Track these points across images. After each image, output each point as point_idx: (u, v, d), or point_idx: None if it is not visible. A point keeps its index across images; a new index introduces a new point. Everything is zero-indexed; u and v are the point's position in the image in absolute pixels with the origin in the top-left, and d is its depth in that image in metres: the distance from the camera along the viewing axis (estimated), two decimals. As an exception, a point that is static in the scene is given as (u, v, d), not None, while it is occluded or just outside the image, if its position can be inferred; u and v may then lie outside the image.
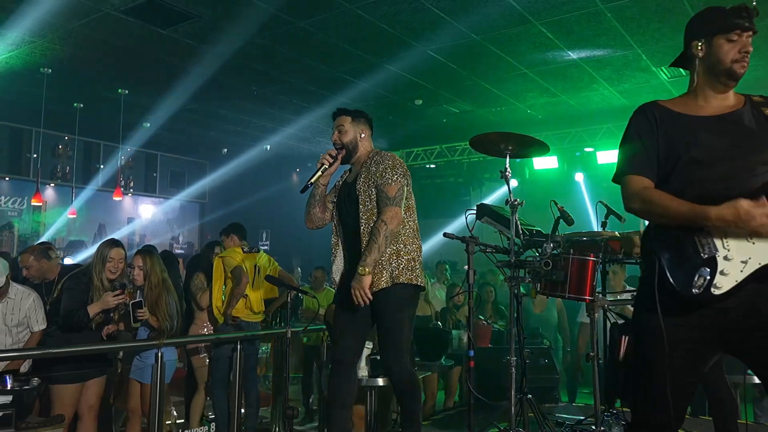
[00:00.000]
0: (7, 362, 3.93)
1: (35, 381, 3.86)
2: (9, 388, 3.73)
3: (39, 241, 6.61)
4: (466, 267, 3.09)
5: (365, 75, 7.96)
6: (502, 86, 8.35)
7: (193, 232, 13.07)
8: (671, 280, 1.91)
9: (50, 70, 7.82)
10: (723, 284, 1.88)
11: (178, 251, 11.72)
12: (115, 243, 4.25)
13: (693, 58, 2.12)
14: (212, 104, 9.31)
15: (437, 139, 11.05)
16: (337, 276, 3.31)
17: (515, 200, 3.07)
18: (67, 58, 7.44)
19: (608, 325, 3.58)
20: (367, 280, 2.93)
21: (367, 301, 2.90)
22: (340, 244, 3.31)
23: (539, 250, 3.10)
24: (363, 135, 3.32)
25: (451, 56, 7.30)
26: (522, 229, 3.17)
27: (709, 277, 1.88)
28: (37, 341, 4.18)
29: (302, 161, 13.30)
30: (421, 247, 3.19)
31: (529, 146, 3.29)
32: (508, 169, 3.15)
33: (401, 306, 3.02)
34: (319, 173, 3.22)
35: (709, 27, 2.09)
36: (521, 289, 3.35)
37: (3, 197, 10.19)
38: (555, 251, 3.06)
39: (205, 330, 5.20)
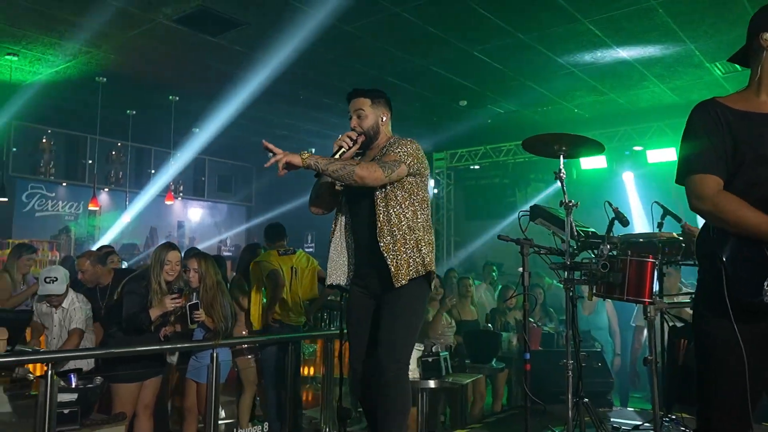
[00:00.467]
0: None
1: (98, 380, 4.01)
2: (74, 386, 3.88)
3: (98, 246, 6.85)
4: (520, 269, 3.06)
5: (410, 77, 7.97)
6: (549, 86, 8.24)
7: (240, 235, 13.30)
8: (738, 286, 1.86)
9: (105, 79, 8.09)
10: None
11: (225, 254, 11.95)
12: (171, 246, 4.37)
13: (760, 51, 2.05)
14: (259, 109, 9.45)
15: (482, 140, 10.97)
16: (335, 273, 3.04)
17: (570, 201, 3.02)
18: (121, 67, 7.68)
19: (666, 328, 3.49)
20: (297, 161, 2.71)
21: (280, 168, 2.69)
22: (341, 237, 3.06)
23: (595, 251, 3.05)
24: (384, 118, 3.07)
25: (497, 57, 7.25)
26: (577, 231, 3.12)
27: None
28: (74, 342, 4.32)
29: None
30: (433, 244, 2.95)
31: (582, 146, 3.24)
32: (563, 170, 3.11)
33: (416, 310, 2.86)
34: (336, 157, 2.93)
35: None
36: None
37: (61, 202, 10.58)
38: (612, 253, 3.01)
39: (243, 333, 5.27)
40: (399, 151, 2.83)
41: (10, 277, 5.26)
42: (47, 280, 4.31)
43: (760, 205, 1.89)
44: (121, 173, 10.96)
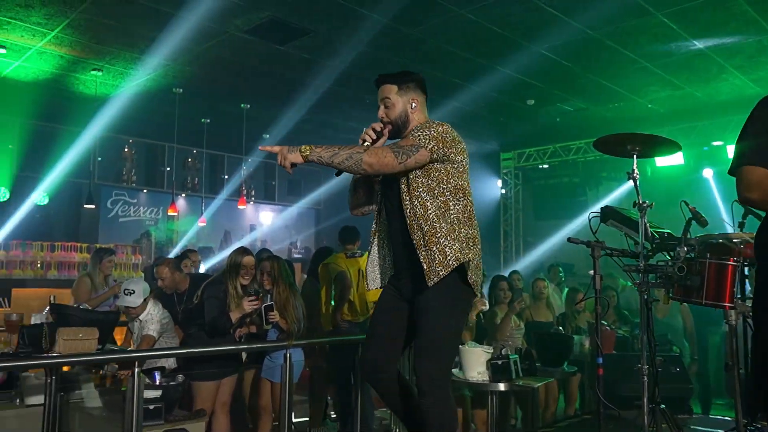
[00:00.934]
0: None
1: (180, 378, 4.21)
2: (158, 383, 4.10)
3: (182, 251, 7.14)
4: (591, 272, 3.00)
5: (476, 78, 7.93)
6: (620, 81, 8.01)
7: (309, 238, 13.57)
8: None
9: (181, 90, 8.45)
10: None
11: (296, 256, 12.23)
12: (245, 251, 4.54)
13: None
14: (326, 113, 9.64)
15: (551, 138, 10.77)
16: (373, 276, 2.85)
17: (644, 202, 2.94)
18: (196, 77, 8.01)
19: (749, 332, 3.34)
20: (297, 158, 2.50)
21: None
22: (377, 234, 2.85)
23: (671, 253, 2.95)
24: (414, 104, 2.77)
25: (565, 54, 7.11)
26: (651, 232, 3.04)
27: None
28: (147, 344, 4.52)
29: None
30: (474, 240, 2.63)
31: (657, 145, 3.15)
32: (636, 171, 3.03)
33: (449, 317, 2.55)
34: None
35: None
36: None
37: (142, 208, 11.12)
38: (689, 255, 2.91)
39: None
40: (419, 135, 2.56)
41: (91, 280, 5.54)
42: (126, 292, 4.47)
43: None
44: (196, 179, 11.41)
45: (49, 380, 3.67)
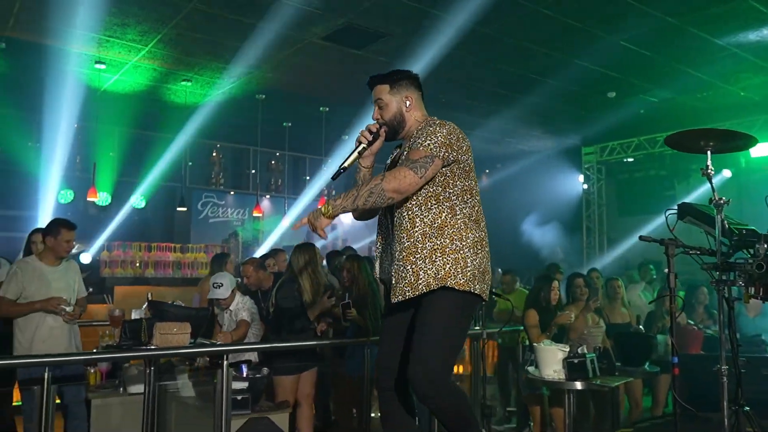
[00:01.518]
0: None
1: (265, 370, 4.45)
2: (245, 376, 4.35)
3: (268, 250, 7.45)
4: (666, 270, 2.94)
5: (553, 72, 7.81)
6: (708, 69, 7.65)
7: (389, 236, 13.75)
8: None
9: (264, 96, 8.83)
10: None
11: (375, 254, 12.43)
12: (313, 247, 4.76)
13: None
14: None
15: (635, 131, 10.41)
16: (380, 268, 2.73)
17: (720, 199, 2.86)
18: (278, 84, 8.34)
19: None
20: (324, 221, 2.42)
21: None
22: (380, 241, 2.73)
23: (751, 251, 2.85)
24: (409, 102, 2.64)
25: (646, 44, 6.89)
26: (731, 229, 2.94)
27: None
28: (241, 332, 4.76)
29: (491, 163, 13.35)
30: (482, 243, 2.50)
31: (733, 140, 3.04)
32: (710, 167, 2.94)
33: (443, 317, 2.40)
34: (355, 155, 2.61)
35: None
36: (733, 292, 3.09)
37: (229, 209, 11.68)
38: (773, 251, 2.79)
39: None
40: (428, 144, 2.43)
41: None
42: (215, 285, 4.76)
43: None
44: (280, 181, 11.84)
45: (148, 371, 3.97)
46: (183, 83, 8.29)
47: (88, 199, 8.82)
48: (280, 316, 4.50)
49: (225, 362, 3.84)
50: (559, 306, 4.96)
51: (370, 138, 2.61)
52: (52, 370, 3.35)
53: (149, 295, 4.46)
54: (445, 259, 2.40)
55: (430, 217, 2.46)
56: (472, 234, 2.48)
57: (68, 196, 9.71)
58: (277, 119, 10.06)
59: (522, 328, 5.09)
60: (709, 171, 2.92)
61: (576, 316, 5.13)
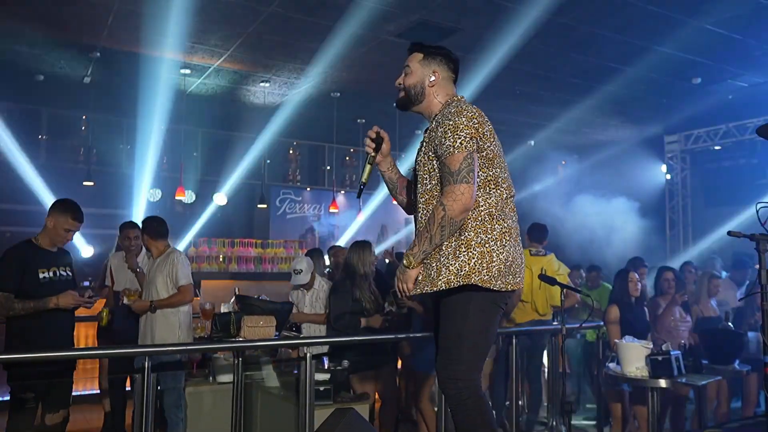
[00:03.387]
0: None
1: (345, 363, 4.58)
2: (326, 367, 4.50)
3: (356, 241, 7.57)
4: (756, 266, 2.82)
5: (633, 60, 7.56)
6: (805, 50, 7.21)
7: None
8: None
9: (339, 94, 9.00)
10: None
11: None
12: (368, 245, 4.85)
13: None
14: (478, 107, 9.70)
15: (722, 118, 9.92)
16: None
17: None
18: (352, 82, 8.49)
19: None
20: (412, 273, 2.38)
21: (408, 301, 2.47)
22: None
23: None
24: (434, 78, 2.53)
25: (734, 27, 6.57)
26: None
27: None
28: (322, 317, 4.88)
29: (568, 153, 13.04)
30: (510, 233, 2.40)
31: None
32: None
33: (466, 314, 2.34)
34: (368, 168, 2.54)
35: None
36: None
37: (306, 205, 11.97)
38: None
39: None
40: (458, 144, 2.32)
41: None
42: (295, 271, 4.95)
43: None
44: (354, 176, 12.03)
45: (236, 361, 4.18)
46: (262, 84, 8.58)
47: (176, 197, 9.27)
48: (338, 318, 4.57)
49: (308, 354, 3.99)
50: (643, 299, 4.84)
51: (374, 145, 2.57)
52: (153, 359, 3.56)
53: (236, 290, 4.68)
54: (470, 254, 2.32)
55: None
56: (498, 225, 2.37)
57: (156, 194, 10.26)
58: (351, 116, 10.23)
59: (603, 324, 4.99)
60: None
61: (663, 310, 5.00)
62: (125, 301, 4.33)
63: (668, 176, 11.18)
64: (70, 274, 3.70)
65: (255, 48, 7.25)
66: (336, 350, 4.65)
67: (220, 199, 10.18)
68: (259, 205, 10.51)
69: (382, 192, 11.98)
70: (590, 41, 7.01)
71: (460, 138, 2.33)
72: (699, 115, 9.93)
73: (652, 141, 11.26)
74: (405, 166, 11.80)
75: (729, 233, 2.86)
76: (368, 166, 2.54)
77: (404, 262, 2.40)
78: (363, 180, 2.52)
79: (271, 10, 6.20)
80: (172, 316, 4.24)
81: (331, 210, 10.75)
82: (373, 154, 2.56)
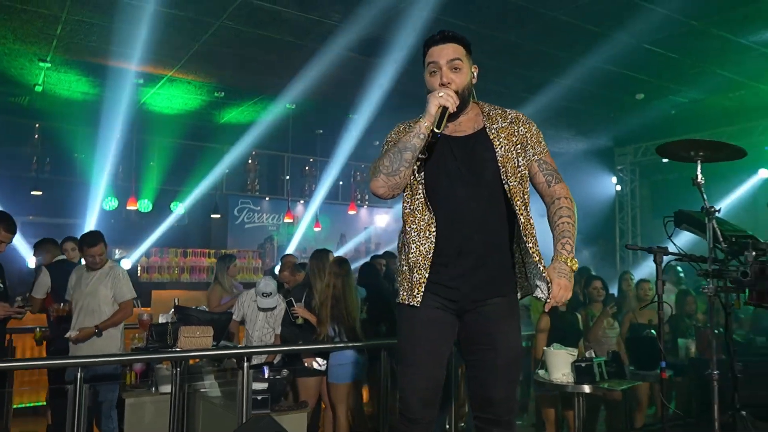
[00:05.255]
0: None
1: (285, 372, 4.66)
2: (266, 377, 4.57)
3: (285, 254, 7.69)
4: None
5: (578, 77, 7.80)
6: (737, 69, 7.54)
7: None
8: None
9: (294, 106, 9.09)
10: None
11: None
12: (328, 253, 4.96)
13: None
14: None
15: (668, 131, 10.24)
16: (413, 275, 2.22)
17: (711, 207, 2.93)
18: (307, 93, 8.54)
19: None
20: (569, 284, 2.14)
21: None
22: (434, 226, 2.21)
23: (741, 258, 2.90)
24: (475, 74, 2.38)
25: (670, 46, 6.85)
26: (726, 236, 3.00)
27: None
28: (278, 340, 4.99)
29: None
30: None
31: (722, 151, 3.10)
32: (700, 176, 3.01)
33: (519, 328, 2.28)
34: (437, 116, 2.13)
35: None
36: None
37: (265, 214, 12.00)
38: (763, 258, 2.84)
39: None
40: (543, 142, 2.35)
41: (221, 286, 6.13)
42: (264, 294, 5.01)
43: None
44: (313, 186, 12.10)
45: (174, 371, 4.23)
46: (216, 95, 8.62)
47: (128, 207, 9.22)
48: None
49: (245, 363, 4.07)
50: (571, 309, 5.03)
51: (456, 102, 2.17)
52: (88, 370, 3.61)
53: (176, 301, 4.72)
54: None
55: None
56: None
57: (112, 203, 10.19)
58: (308, 126, 10.31)
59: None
60: (699, 180, 2.99)
61: (595, 320, 5.20)
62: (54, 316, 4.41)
63: (618, 187, 11.51)
64: (1, 285, 3.72)
65: (207, 60, 7.30)
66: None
67: (178, 208, 10.16)
68: (213, 215, 10.49)
69: (342, 202, 12.08)
70: (537, 58, 7.24)
71: (538, 139, 2.35)
72: (646, 128, 10.28)
73: (604, 153, 11.61)
74: (365, 172, 11.84)
75: (626, 246, 3.04)
76: (440, 119, 2.12)
77: (572, 265, 2.15)
78: (439, 130, 2.11)
79: (221, 23, 6.27)
80: (112, 329, 4.31)
81: (286, 220, 10.79)
82: (451, 110, 2.16)
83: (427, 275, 2.19)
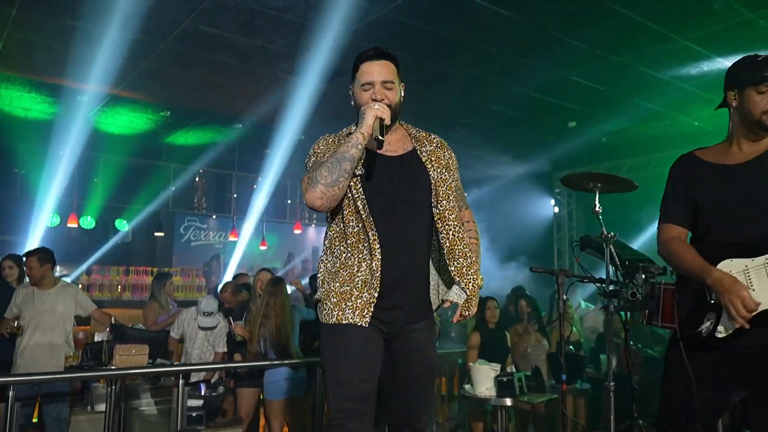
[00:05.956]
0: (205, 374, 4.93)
1: (221, 389, 4.77)
2: (202, 393, 4.67)
3: (234, 273, 7.81)
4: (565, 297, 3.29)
5: (512, 104, 8.21)
6: (659, 101, 8.07)
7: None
8: (685, 321, 2.10)
9: (241, 125, 9.22)
10: (724, 329, 2.02)
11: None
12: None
13: (729, 106, 2.25)
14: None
15: (600, 157, 10.82)
16: (360, 296, 2.19)
17: (609, 234, 3.23)
18: (252, 113, 8.71)
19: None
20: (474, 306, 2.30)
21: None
22: (377, 246, 2.19)
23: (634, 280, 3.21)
24: (402, 92, 2.39)
25: (595, 78, 7.29)
26: (622, 260, 3.30)
27: (713, 321, 2.03)
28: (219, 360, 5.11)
29: (467, 187, 13.71)
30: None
31: (616, 183, 3.42)
32: (598, 205, 3.32)
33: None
34: (372, 127, 2.18)
35: (741, 78, 2.20)
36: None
37: (211, 232, 12.01)
38: (654, 280, 3.14)
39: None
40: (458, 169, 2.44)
41: (159, 303, 6.18)
42: (205, 313, 5.10)
43: (711, 250, 2.11)
44: (259, 205, 12.16)
45: (110, 389, 4.29)
46: (162, 114, 8.67)
47: (68, 224, 9.13)
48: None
49: (181, 381, 4.17)
50: (500, 327, 5.31)
51: (390, 114, 2.23)
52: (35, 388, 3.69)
53: (112, 319, 4.78)
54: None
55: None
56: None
57: (55, 220, 10.05)
58: (255, 145, 10.43)
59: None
60: (596, 209, 3.29)
61: (519, 336, 5.49)
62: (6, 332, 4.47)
63: (556, 209, 12.01)
64: None
65: (152, 79, 7.38)
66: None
67: (123, 226, 10.10)
68: (156, 233, 10.46)
69: (289, 221, 12.19)
70: (472, 85, 7.59)
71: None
72: (581, 153, 10.79)
73: (542, 176, 12.10)
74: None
75: (531, 269, 3.31)
76: (379, 134, 2.17)
77: (480, 282, 2.28)
78: (381, 137, 2.16)
79: (167, 44, 6.38)
80: (64, 348, 4.44)
81: (231, 238, 10.83)
82: (387, 122, 2.22)
83: (376, 295, 2.16)
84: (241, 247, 11.17)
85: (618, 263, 3.24)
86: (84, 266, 9.50)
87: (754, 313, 1.97)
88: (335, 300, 2.20)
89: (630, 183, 3.39)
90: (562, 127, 9.33)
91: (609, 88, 7.60)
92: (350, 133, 2.25)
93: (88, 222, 10.19)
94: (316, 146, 2.37)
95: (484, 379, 4.40)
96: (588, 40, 6.21)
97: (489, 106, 8.30)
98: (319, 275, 2.33)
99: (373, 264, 2.17)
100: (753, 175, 2.19)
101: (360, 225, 2.21)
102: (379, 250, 2.17)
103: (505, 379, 4.30)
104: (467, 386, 4.62)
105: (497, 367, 4.44)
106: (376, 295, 2.17)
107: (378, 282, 2.16)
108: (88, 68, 6.96)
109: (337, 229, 2.28)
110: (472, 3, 5.47)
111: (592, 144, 10.21)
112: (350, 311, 2.16)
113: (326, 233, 2.37)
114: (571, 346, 5.28)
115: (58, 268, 9.66)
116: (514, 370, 4.43)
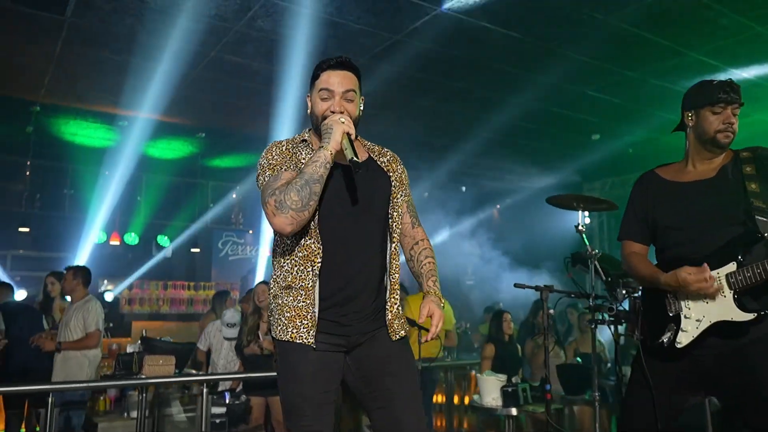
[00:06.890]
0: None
1: (244, 397, 5.08)
2: (227, 401, 4.99)
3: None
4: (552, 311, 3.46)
5: (533, 119, 8.35)
6: (679, 112, 8.05)
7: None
8: (648, 332, 2.27)
9: (204, 134, 9.60)
10: (683, 339, 2.19)
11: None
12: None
13: (686, 127, 2.42)
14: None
15: (630, 166, 10.79)
16: (308, 311, 2.12)
17: (593, 251, 3.40)
18: (290, 133, 9.10)
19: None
20: (437, 309, 2.22)
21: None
22: (331, 257, 2.14)
23: (613, 294, 3.36)
24: (362, 105, 2.29)
25: (611, 93, 7.41)
26: (607, 275, 3.46)
27: (673, 332, 2.20)
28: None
29: (500, 197, 13.77)
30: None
31: (598, 204, 3.59)
32: (581, 225, 3.49)
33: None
34: (344, 142, 2.09)
35: (698, 100, 2.38)
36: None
37: (249, 247, 12.43)
38: (637, 294, 3.28)
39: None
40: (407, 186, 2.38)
41: (215, 315, 6.42)
42: (228, 324, 5.46)
43: (670, 265, 2.28)
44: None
45: (140, 397, 4.65)
46: (198, 135, 9.13)
47: (111, 242, 9.66)
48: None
49: (205, 389, 4.50)
50: (514, 339, 5.48)
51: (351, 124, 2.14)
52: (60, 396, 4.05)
53: (144, 332, 5.15)
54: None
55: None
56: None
57: (102, 237, 10.64)
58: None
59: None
60: (580, 228, 3.47)
61: (536, 349, 5.64)
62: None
63: (588, 220, 11.99)
64: None
65: (188, 104, 7.83)
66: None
67: (163, 242, 10.61)
68: (192, 249, 10.91)
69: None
70: (492, 103, 7.77)
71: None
72: (609, 164, 10.80)
73: (572, 187, 12.10)
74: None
75: (515, 285, 3.50)
76: (348, 146, 2.08)
77: (437, 302, 2.23)
78: (356, 158, 2.08)
79: (197, 73, 6.81)
80: (81, 356, 4.78)
81: (266, 254, 11.22)
82: (353, 133, 2.13)
83: (330, 309, 2.12)
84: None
85: (603, 278, 3.40)
86: (127, 281, 10.01)
87: (705, 283, 2.11)
88: (288, 315, 2.13)
89: (611, 204, 3.55)
90: (585, 140, 9.40)
91: (625, 101, 7.68)
92: (304, 140, 2.24)
93: (132, 239, 10.73)
94: (269, 156, 2.24)
95: (491, 389, 4.58)
96: (597, 57, 6.35)
97: (514, 122, 8.45)
98: (270, 290, 2.25)
99: (326, 277, 2.11)
100: (707, 193, 2.36)
101: (311, 239, 2.13)
102: (330, 263, 2.12)
103: (510, 389, 4.47)
104: (476, 396, 4.80)
105: (503, 377, 4.61)
106: (330, 309, 2.12)
107: (331, 295, 2.12)
108: (126, 96, 7.46)
109: (288, 242, 2.18)
110: (485, 29, 5.69)
111: (619, 155, 10.23)
112: (305, 329, 2.10)
113: (274, 248, 2.27)
114: (578, 358, 5.40)
115: (105, 282, 10.32)
116: (519, 380, 4.59)
